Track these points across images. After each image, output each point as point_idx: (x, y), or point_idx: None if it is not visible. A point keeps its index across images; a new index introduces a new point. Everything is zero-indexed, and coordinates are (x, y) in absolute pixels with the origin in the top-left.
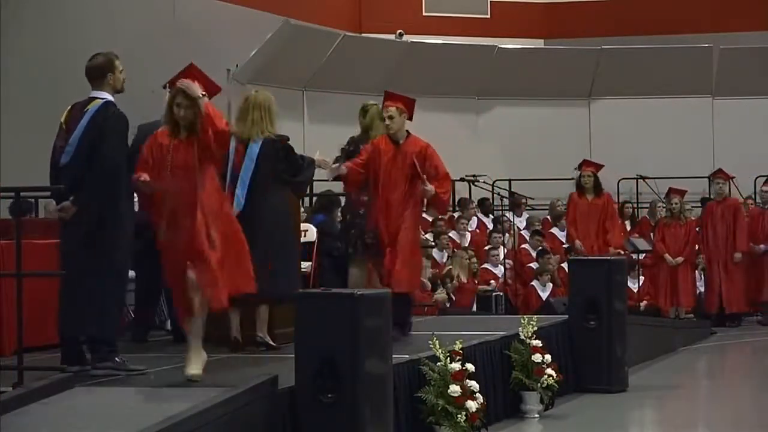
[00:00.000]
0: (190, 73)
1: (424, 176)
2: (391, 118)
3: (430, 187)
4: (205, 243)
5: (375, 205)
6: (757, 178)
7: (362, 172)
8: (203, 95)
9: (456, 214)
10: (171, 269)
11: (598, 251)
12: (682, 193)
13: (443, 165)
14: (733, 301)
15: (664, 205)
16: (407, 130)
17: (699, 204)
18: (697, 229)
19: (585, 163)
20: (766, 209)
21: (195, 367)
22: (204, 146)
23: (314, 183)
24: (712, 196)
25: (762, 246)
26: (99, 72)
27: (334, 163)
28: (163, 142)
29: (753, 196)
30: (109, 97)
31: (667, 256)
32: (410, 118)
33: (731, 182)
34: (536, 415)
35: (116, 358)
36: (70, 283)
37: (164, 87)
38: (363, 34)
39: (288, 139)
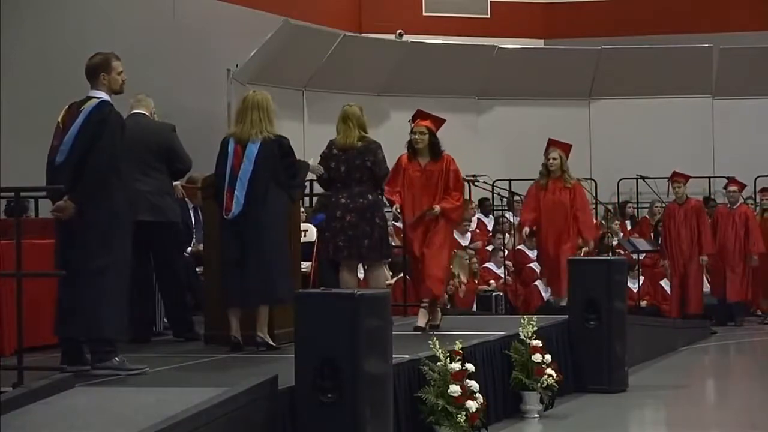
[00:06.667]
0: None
1: None
2: None
3: None
4: None
5: None
6: (757, 178)
7: None
8: None
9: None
10: None
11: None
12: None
13: None
14: (693, 304)
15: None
16: None
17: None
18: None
19: (419, 115)
20: (734, 210)
21: None
22: None
23: (314, 183)
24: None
25: (755, 257)
26: (93, 71)
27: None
28: None
29: (753, 197)
30: (105, 97)
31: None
32: None
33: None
34: (536, 415)
35: (116, 358)
36: (68, 283)
37: None
38: (363, 34)
39: (287, 141)
